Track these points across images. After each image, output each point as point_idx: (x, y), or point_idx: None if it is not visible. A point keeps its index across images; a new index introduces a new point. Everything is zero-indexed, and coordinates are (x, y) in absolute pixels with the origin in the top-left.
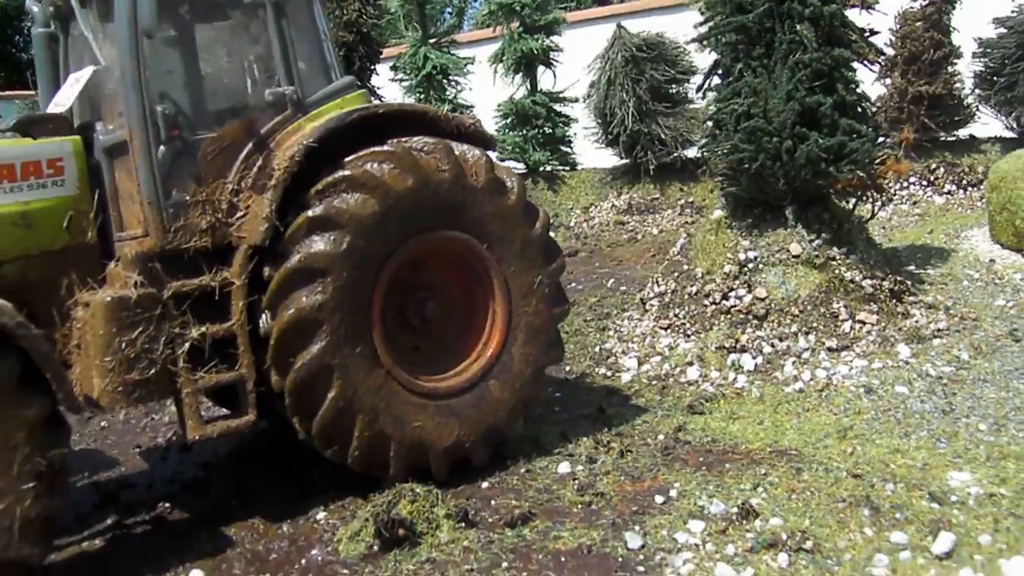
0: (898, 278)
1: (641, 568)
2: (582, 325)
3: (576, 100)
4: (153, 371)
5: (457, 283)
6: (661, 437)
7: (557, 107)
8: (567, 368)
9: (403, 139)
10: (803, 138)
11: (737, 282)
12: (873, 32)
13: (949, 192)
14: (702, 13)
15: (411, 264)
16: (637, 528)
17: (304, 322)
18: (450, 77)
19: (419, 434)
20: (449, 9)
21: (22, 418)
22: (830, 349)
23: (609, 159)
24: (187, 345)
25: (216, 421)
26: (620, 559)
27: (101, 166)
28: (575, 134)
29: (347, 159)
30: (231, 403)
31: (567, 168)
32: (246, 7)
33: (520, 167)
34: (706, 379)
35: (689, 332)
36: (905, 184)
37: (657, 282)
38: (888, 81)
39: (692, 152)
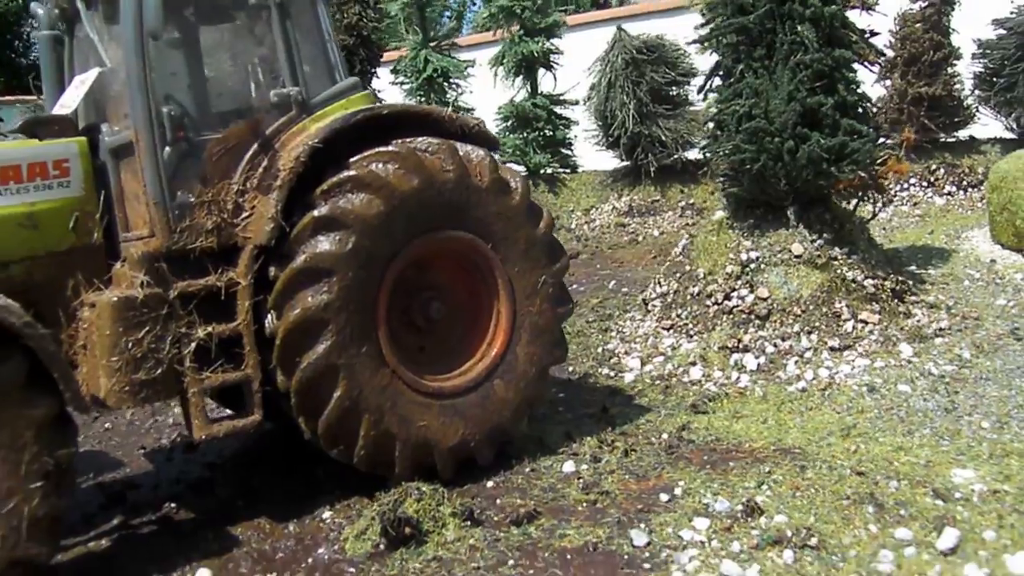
0: (900, 278)
1: (647, 565)
2: (584, 326)
3: (576, 103)
4: (159, 371)
5: (462, 283)
6: (665, 436)
7: (558, 110)
8: (570, 368)
9: (408, 140)
10: (804, 138)
11: (739, 282)
12: (873, 33)
13: (949, 193)
14: (703, 15)
15: (416, 264)
16: (642, 526)
17: (310, 322)
18: (451, 80)
19: (424, 433)
20: (448, 12)
21: (29, 418)
22: (832, 348)
23: (610, 161)
24: (193, 345)
25: (222, 421)
26: (626, 556)
27: (107, 167)
28: (576, 136)
29: (352, 159)
30: (235, 404)
31: (568, 171)
32: (251, 8)
33: (521, 170)
34: (709, 379)
35: (692, 332)
36: (905, 185)
37: (659, 283)
38: (888, 83)
39: (693, 154)
